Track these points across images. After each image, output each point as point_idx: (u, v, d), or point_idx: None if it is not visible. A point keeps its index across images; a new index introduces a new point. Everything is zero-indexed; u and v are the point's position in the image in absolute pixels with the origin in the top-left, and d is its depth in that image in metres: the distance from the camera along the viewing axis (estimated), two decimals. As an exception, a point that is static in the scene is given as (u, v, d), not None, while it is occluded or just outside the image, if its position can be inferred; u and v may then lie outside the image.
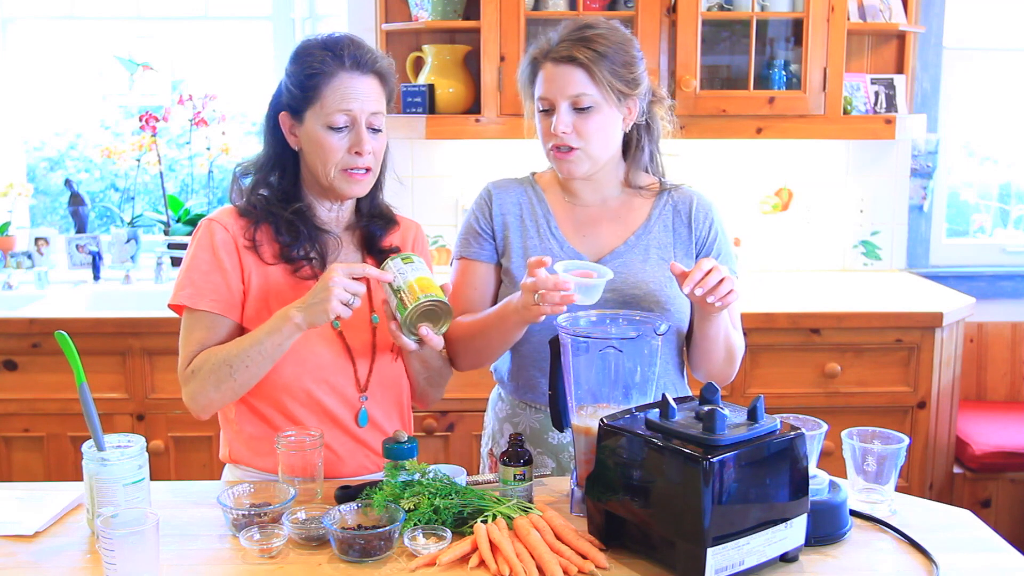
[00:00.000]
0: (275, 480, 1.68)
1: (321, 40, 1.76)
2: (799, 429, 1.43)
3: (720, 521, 1.34)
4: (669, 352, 1.88)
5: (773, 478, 1.40)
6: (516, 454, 1.64)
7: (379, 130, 1.77)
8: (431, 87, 3.29)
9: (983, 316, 3.53)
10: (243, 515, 1.54)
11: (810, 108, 3.21)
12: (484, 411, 2.05)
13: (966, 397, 3.57)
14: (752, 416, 1.41)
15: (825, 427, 1.62)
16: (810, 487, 1.46)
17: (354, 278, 1.63)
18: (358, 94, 1.73)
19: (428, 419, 3.06)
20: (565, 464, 1.88)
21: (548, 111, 1.79)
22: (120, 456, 1.53)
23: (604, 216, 1.89)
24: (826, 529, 1.52)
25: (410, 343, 1.68)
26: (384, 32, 3.40)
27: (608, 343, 1.58)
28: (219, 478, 1.88)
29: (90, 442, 1.54)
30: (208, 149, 3.78)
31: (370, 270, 1.66)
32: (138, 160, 3.74)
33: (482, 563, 1.43)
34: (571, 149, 1.78)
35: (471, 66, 3.33)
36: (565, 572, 1.40)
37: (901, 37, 3.50)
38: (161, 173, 3.75)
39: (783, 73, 3.31)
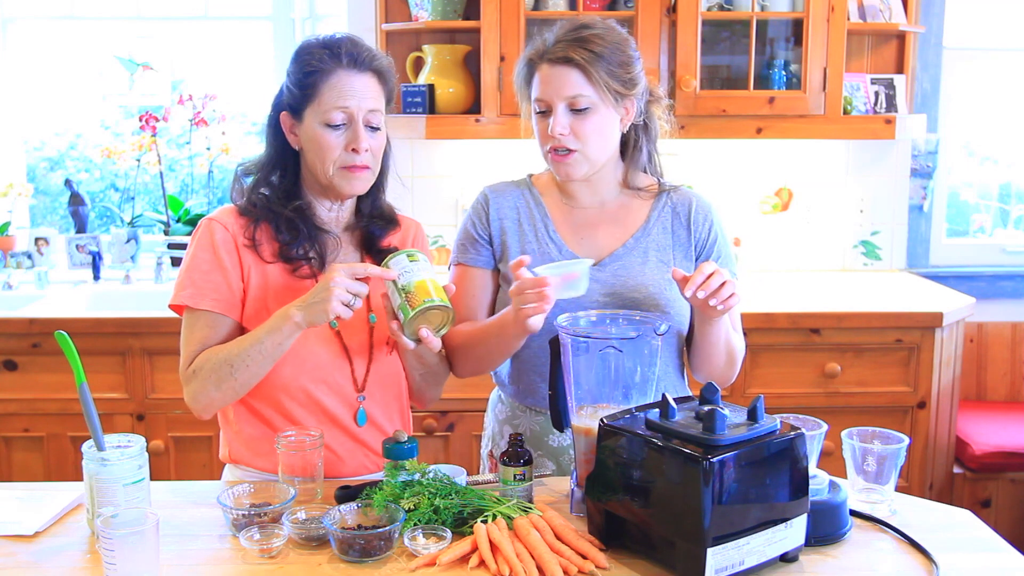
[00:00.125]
0: (275, 480, 1.68)
1: (321, 40, 1.76)
2: (799, 429, 1.43)
3: (720, 521, 1.34)
4: (669, 354, 1.87)
5: (773, 478, 1.40)
6: (516, 454, 1.64)
7: (377, 128, 1.77)
8: (431, 87, 3.29)
9: (983, 316, 3.53)
10: (243, 515, 1.54)
11: (810, 108, 3.21)
12: (484, 411, 2.05)
13: (966, 397, 3.57)
14: (752, 416, 1.41)
15: (825, 427, 1.62)
16: (810, 487, 1.46)
17: (357, 278, 1.63)
18: (355, 91, 1.73)
19: (428, 419, 3.06)
20: (565, 467, 1.88)
21: (545, 113, 1.78)
22: (120, 456, 1.53)
23: (602, 218, 1.88)
24: (826, 529, 1.52)
25: (409, 343, 1.68)
26: (384, 32, 3.40)
27: (608, 343, 1.58)
28: (219, 478, 1.88)
29: (90, 442, 1.54)
30: (208, 149, 3.78)
31: (372, 269, 1.66)
32: (138, 160, 3.74)
33: (482, 563, 1.43)
34: (569, 151, 1.77)
35: (471, 66, 3.33)
36: (565, 572, 1.40)
37: (901, 37, 3.50)
38: (161, 173, 3.75)
39: (783, 73, 3.31)
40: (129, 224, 3.75)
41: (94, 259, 3.52)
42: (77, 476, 1.66)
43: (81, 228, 3.75)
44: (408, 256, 1.68)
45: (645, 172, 1.92)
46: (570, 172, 1.80)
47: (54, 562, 1.48)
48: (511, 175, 1.98)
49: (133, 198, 3.86)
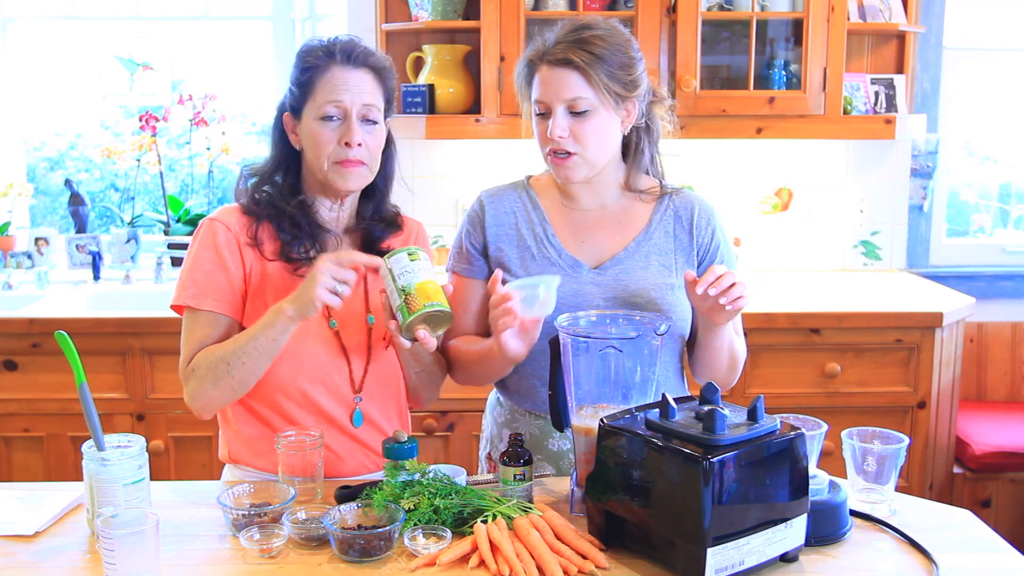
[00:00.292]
0: (275, 480, 1.68)
1: (321, 41, 1.78)
2: (799, 429, 1.43)
3: (720, 521, 1.34)
4: (669, 357, 1.86)
5: (773, 478, 1.40)
6: (516, 454, 1.64)
7: (375, 123, 1.77)
8: (431, 87, 3.29)
9: (983, 316, 3.53)
10: (243, 515, 1.54)
11: (810, 108, 3.21)
12: (483, 412, 2.05)
13: (966, 397, 3.57)
14: (752, 416, 1.41)
15: (825, 427, 1.62)
16: (810, 487, 1.46)
17: (344, 266, 1.62)
18: (349, 86, 1.73)
19: (428, 419, 3.06)
20: (565, 471, 1.87)
21: (545, 114, 1.76)
22: (120, 456, 1.53)
23: (603, 222, 1.87)
24: (826, 529, 1.52)
25: (405, 342, 1.68)
26: (384, 32, 3.40)
27: (608, 343, 1.58)
28: (219, 478, 1.88)
29: (90, 442, 1.54)
30: (208, 149, 3.78)
31: (359, 257, 1.65)
32: (138, 160, 3.74)
33: (482, 563, 1.43)
34: (568, 154, 1.75)
35: (471, 66, 3.33)
36: (565, 572, 1.40)
37: (901, 37, 3.50)
38: (161, 173, 3.75)
39: (783, 73, 3.31)
40: (129, 224, 3.75)
41: (94, 259, 3.52)
42: (77, 476, 1.66)
43: (81, 228, 3.75)
44: (409, 255, 1.66)
45: (647, 174, 1.90)
46: (570, 175, 1.79)
47: (54, 562, 1.48)
48: (511, 175, 1.97)
49: (133, 198, 3.86)
